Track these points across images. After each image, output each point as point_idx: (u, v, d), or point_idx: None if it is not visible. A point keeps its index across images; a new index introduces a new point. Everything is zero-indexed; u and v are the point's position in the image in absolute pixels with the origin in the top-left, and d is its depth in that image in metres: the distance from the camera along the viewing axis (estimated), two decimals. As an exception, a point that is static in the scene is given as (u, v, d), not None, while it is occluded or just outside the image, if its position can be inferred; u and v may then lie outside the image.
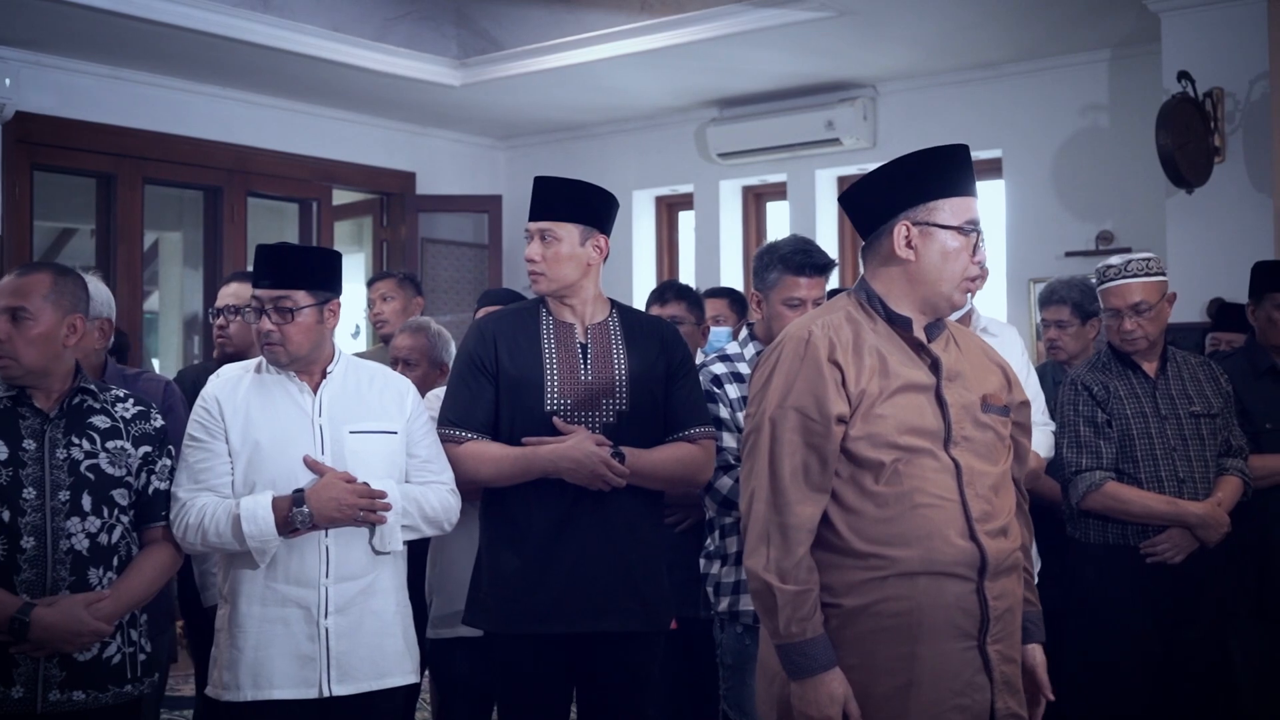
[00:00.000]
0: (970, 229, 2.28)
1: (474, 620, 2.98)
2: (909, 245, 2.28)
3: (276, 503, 2.68)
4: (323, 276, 2.84)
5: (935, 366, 2.27)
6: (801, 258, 3.13)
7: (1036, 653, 2.37)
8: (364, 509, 2.72)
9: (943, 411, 2.24)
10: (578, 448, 2.80)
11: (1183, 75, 4.98)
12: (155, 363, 8.97)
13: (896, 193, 2.30)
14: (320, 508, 2.68)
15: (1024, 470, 2.44)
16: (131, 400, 2.78)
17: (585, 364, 2.91)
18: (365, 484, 2.74)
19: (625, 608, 2.88)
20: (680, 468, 2.93)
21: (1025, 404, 2.43)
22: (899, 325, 2.29)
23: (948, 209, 2.27)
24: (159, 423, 2.78)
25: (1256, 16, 5.03)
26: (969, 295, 2.33)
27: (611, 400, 2.90)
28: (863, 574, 2.19)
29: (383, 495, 2.75)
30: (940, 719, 2.18)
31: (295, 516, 2.67)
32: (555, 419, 2.86)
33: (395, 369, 3.68)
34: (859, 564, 2.19)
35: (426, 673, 3.65)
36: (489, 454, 2.87)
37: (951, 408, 2.24)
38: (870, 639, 2.19)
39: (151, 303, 9.23)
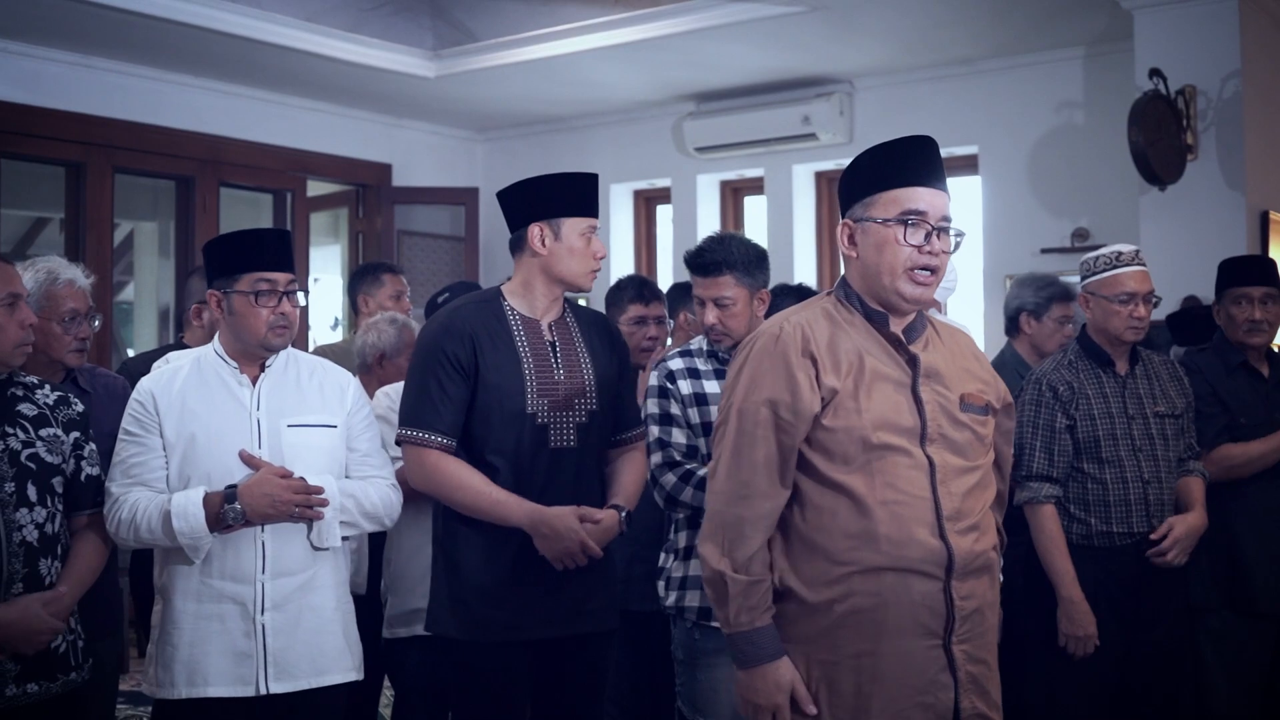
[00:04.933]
0: (907, 219, 2.25)
1: (445, 628, 2.86)
2: (851, 242, 2.31)
3: (209, 498, 2.64)
4: None
5: (912, 363, 2.27)
6: (692, 257, 3.11)
7: None
8: (299, 505, 2.68)
9: (919, 409, 2.24)
10: (561, 519, 2.74)
11: (1155, 73, 4.97)
12: (130, 352, 8.93)
13: (844, 194, 2.35)
14: (253, 503, 2.64)
15: (1004, 479, 2.45)
16: (48, 386, 2.74)
17: (556, 363, 2.86)
18: (301, 479, 2.70)
19: (595, 609, 2.87)
20: (643, 482, 3.00)
21: (1009, 407, 2.44)
22: (876, 321, 2.29)
23: (881, 203, 2.28)
24: (80, 407, 2.75)
25: (1228, 15, 5.02)
26: (923, 287, 2.26)
27: (583, 400, 2.87)
28: (830, 568, 2.20)
29: (319, 491, 2.71)
30: (902, 716, 2.19)
31: (227, 513, 2.63)
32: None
33: (377, 366, 3.66)
34: (826, 558, 2.20)
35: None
36: (469, 484, 2.76)
37: (927, 405, 2.25)
38: (835, 633, 2.20)
39: (127, 293, 9.19)
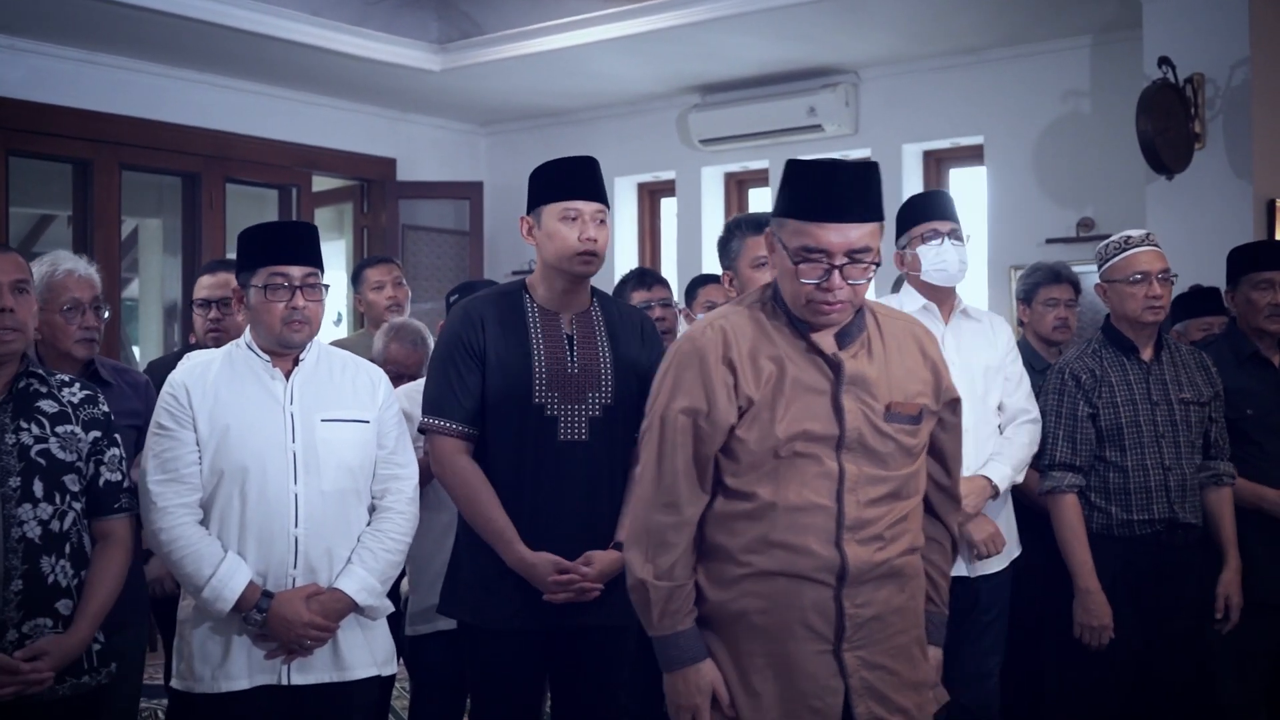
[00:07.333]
0: (802, 258, 2.15)
1: (452, 611, 2.92)
2: (771, 252, 2.28)
3: (246, 594, 2.65)
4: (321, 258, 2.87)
5: (836, 370, 2.23)
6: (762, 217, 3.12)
7: (933, 654, 2.40)
8: (312, 638, 2.70)
9: (839, 417, 2.21)
10: (540, 568, 2.76)
11: (1163, 61, 4.98)
12: (136, 350, 8.94)
13: (780, 198, 2.25)
14: (273, 620, 2.67)
15: (954, 476, 2.41)
16: (78, 385, 2.72)
17: (571, 355, 2.86)
18: (329, 592, 2.71)
19: (614, 601, 2.84)
20: None
21: (955, 401, 2.37)
22: (800, 328, 2.24)
23: (789, 229, 2.19)
24: (105, 407, 2.72)
25: (1237, 3, 5.03)
26: (826, 316, 2.18)
27: (597, 394, 2.86)
28: (731, 569, 2.24)
29: (334, 628, 2.71)
30: (793, 716, 2.22)
31: (250, 615, 2.66)
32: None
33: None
34: (728, 560, 2.24)
35: (402, 663, 3.65)
36: (477, 496, 2.79)
37: (849, 414, 2.21)
38: (731, 632, 2.25)
39: (131, 290, 9.19)
